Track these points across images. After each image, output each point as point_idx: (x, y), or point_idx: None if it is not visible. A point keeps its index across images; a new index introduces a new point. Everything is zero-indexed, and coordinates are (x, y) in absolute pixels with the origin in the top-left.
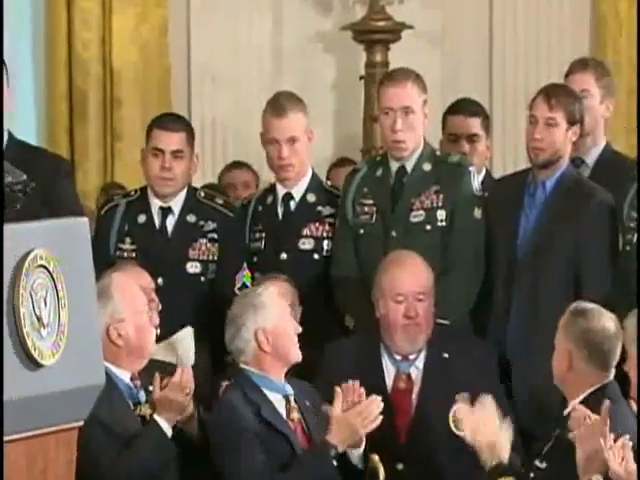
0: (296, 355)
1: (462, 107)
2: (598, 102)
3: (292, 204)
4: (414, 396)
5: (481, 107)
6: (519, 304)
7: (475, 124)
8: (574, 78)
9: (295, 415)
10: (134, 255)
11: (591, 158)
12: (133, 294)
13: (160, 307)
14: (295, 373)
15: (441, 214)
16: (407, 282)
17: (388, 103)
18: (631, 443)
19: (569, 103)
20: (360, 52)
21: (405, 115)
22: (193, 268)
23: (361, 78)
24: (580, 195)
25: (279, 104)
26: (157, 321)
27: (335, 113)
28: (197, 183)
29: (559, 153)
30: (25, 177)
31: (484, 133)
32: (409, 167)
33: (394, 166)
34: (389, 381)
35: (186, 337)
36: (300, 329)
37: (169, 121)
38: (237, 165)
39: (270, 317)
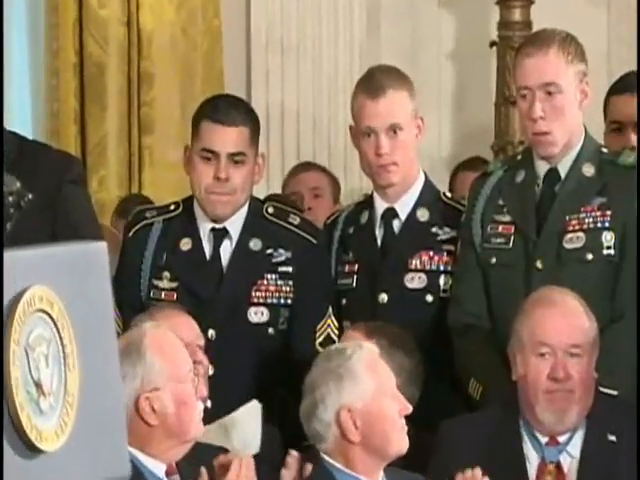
0: (398, 446)
1: (630, 84)
2: None
3: (396, 224)
4: None
5: None
6: None
7: None
8: None
9: None
10: (175, 296)
11: None
12: (174, 353)
13: (211, 371)
14: (399, 461)
15: (608, 238)
16: (556, 329)
17: (524, 80)
18: None
19: None
20: (491, 7)
21: (549, 95)
22: (258, 315)
23: (492, 45)
24: None
25: (375, 81)
26: (206, 391)
27: (455, 94)
28: (260, 192)
29: None
30: (19, 185)
31: (637, 145)
32: (563, 170)
33: (541, 169)
34: (531, 472)
35: (249, 415)
36: (410, 409)
37: (225, 110)
38: (301, 168)
39: (360, 392)
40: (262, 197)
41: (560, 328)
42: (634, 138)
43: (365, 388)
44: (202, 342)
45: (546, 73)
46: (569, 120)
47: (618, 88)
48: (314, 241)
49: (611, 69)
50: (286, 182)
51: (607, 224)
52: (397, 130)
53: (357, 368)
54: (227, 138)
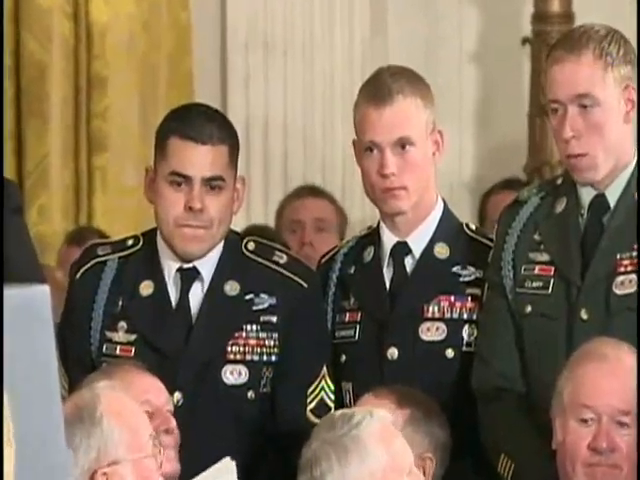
0: None
1: None
2: None
3: (408, 262)
4: None
5: None
6: None
7: None
8: None
9: None
10: (133, 352)
11: None
12: (134, 420)
13: (179, 440)
14: None
15: None
16: (603, 389)
17: (553, 92)
18: None
19: None
20: None
21: (583, 109)
22: (235, 376)
23: (525, 42)
24: None
25: (380, 85)
26: (175, 466)
27: (479, 103)
28: (238, 224)
29: None
30: None
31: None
32: (612, 198)
33: (586, 196)
34: None
35: (222, 474)
36: None
37: (198, 123)
38: (307, 192)
39: (370, 468)
40: (241, 230)
41: (608, 389)
42: None
43: (376, 464)
44: (170, 407)
45: (579, 83)
46: (612, 137)
47: None
48: (305, 284)
49: None
50: (284, 207)
51: None
52: (407, 145)
53: (367, 439)
54: (201, 159)
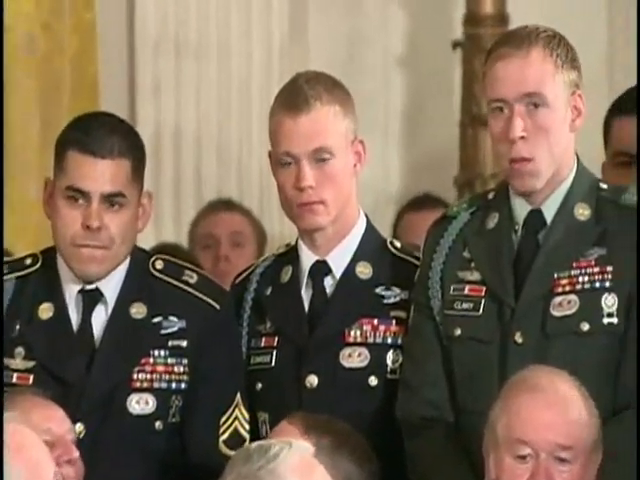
0: None
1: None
2: None
3: (328, 283)
4: None
5: None
6: None
7: None
8: None
9: None
10: (31, 380)
11: None
12: (35, 454)
13: (83, 473)
14: None
15: (609, 302)
16: (539, 423)
17: (499, 90)
18: None
19: None
20: None
21: (531, 110)
22: (141, 405)
23: (456, 46)
24: None
25: (297, 92)
26: None
27: (407, 111)
28: (147, 242)
29: None
30: None
31: (637, 152)
32: (549, 213)
33: (520, 211)
34: None
35: None
36: None
37: (98, 135)
38: (222, 206)
39: None
40: (150, 248)
41: (546, 422)
42: None
43: None
44: (72, 437)
45: (527, 81)
46: (558, 144)
47: (625, 107)
48: (216, 305)
49: (613, 80)
50: (198, 222)
51: (608, 284)
52: (325, 157)
53: (285, 472)
54: (100, 174)
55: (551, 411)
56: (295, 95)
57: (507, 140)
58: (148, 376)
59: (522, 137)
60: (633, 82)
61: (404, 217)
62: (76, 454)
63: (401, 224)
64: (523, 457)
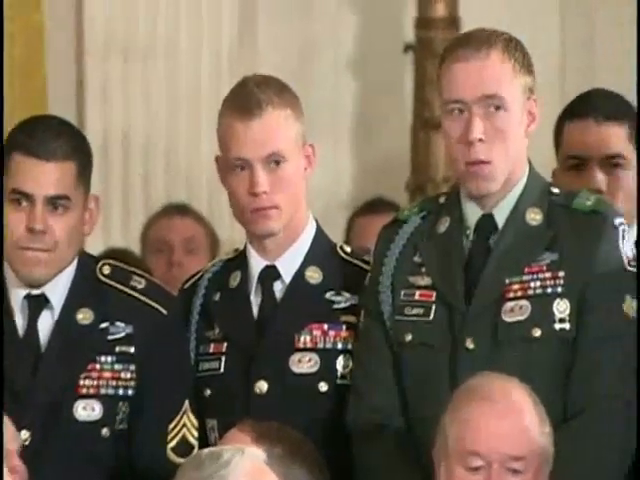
0: None
1: (592, 106)
2: None
3: (278, 288)
4: None
5: (627, 106)
6: None
7: (616, 137)
8: None
9: None
10: None
11: None
12: None
13: None
14: None
15: (561, 308)
16: (491, 434)
17: (456, 91)
18: None
19: None
20: (406, 1)
21: (489, 113)
22: (88, 411)
23: (407, 49)
24: None
25: (248, 96)
26: None
27: (358, 115)
28: (95, 247)
29: None
30: None
31: (636, 153)
32: (500, 218)
33: (472, 215)
34: None
35: None
36: None
37: (42, 137)
38: (175, 211)
39: None
40: (98, 254)
41: (497, 433)
42: (600, 177)
43: None
44: (17, 446)
45: (487, 83)
46: (513, 148)
47: (577, 111)
48: (164, 311)
49: (565, 86)
50: (150, 227)
51: (559, 289)
52: (279, 161)
53: (236, 479)
54: (44, 177)
55: (502, 421)
56: (246, 99)
57: (465, 142)
58: (94, 382)
59: (480, 139)
60: (585, 87)
61: (356, 221)
62: (17, 462)
63: (353, 228)
64: (475, 468)
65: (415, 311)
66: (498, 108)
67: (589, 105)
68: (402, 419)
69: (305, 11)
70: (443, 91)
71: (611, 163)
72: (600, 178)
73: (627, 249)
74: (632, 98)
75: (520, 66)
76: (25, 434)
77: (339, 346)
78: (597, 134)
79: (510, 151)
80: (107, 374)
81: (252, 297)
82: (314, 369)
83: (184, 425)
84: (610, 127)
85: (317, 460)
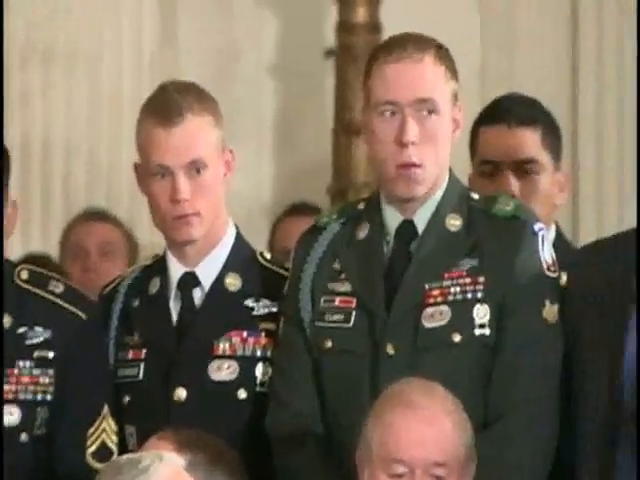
0: None
1: (505, 111)
2: None
3: (197, 295)
4: None
5: (541, 111)
6: (629, 475)
7: (529, 142)
8: None
9: None
10: None
11: None
12: None
13: None
14: None
15: (481, 313)
16: (414, 442)
17: (389, 92)
18: None
19: None
20: (327, 6)
21: (422, 116)
22: (7, 417)
23: (329, 54)
24: None
25: (168, 103)
26: None
27: (279, 120)
28: (14, 252)
29: None
30: None
31: (550, 158)
32: (421, 223)
33: (392, 221)
34: None
35: None
36: None
37: None
38: (94, 216)
39: None
40: (18, 259)
41: (420, 439)
42: (513, 182)
43: None
44: None
45: (421, 86)
46: (442, 154)
47: (491, 116)
48: (83, 315)
49: (485, 92)
50: (69, 232)
51: (479, 295)
52: (200, 168)
53: None
54: None
55: (425, 428)
56: (166, 106)
57: (396, 144)
58: (13, 387)
59: (413, 142)
60: (505, 92)
61: (280, 224)
62: None
63: (277, 231)
64: (398, 475)
65: (335, 317)
66: (430, 112)
67: (503, 110)
68: (323, 425)
69: (226, 14)
70: (374, 93)
71: (524, 168)
72: (513, 183)
73: (546, 255)
74: (557, 103)
75: (450, 72)
76: None
77: (258, 353)
78: (510, 139)
79: (439, 156)
80: (25, 379)
81: (171, 304)
82: (233, 376)
83: (104, 430)
84: (523, 132)
85: (239, 467)
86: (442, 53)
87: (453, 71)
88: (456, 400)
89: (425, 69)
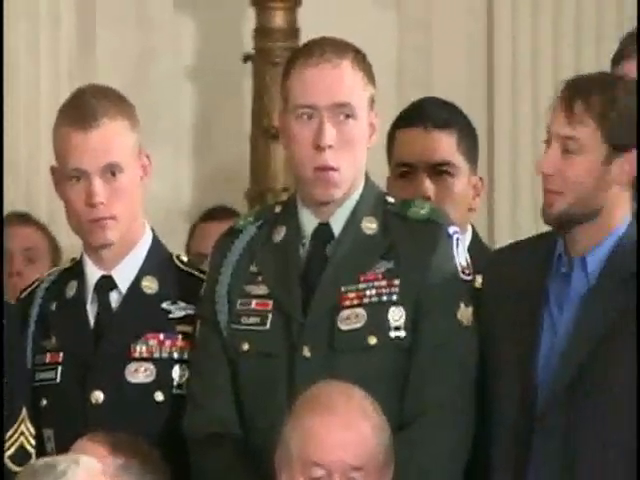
0: None
1: (422, 114)
2: None
3: (114, 298)
4: None
5: (458, 114)
6: (542, 474)
7: (445, 144)
8: (630, 67)
9: None
10: None
11: None
12: None
13: None
14: None
15: (396, 316)
16: (332, 445)
17: (308, 96)
18: None
19: (611, 109)
20: (245, 10)
21: (339, 121)
22: None
23: (247, 59)
24: None
25: (84, 107)
26: None
27: (198, 125)
28: None
29: (594, 201)
30: None
31: (465, 161)
32: (337, 226)
33: (308, 225)
34: None
35: None
36: None
37: None
38: (16, 220)
39: None
40: None
41: (338, 443)
42: (428, 184)
43: None
44: None
45: (340, 90)
46: (359, 158)
47: (407, 119)
48: (2, 320)
49: (402, 97)
50: None
51: (395, 297)
52: (116, 172)
53: None
54: None
55: (344, 432)
56: (82, 110)
57: (314, 147)
58: None
59: (330, 146)
60: (422, 96)
61: (198, 227)
62: None
63: (195, 234)
64: (317, 478)
65: (252, 320)
66: (348, 117)
67: (419, 113)
68: (240, 427)
69: (144, 19)
70: (292, 96)
71: (439, 170)
72: (427, 185)
73: (461, 258)
74: (473, 107)
75: (367, 77)
76: None
77: (175, 356)
78: (425, 142)
79: (356, 160)
80: None
81: (88, 307)
82: (150, 379)
83: (22, 433)
84: (439, 135)
85: (165, 469)
86: (360, 58)
87: (371, 76)
88: (375, 403)
89: (343, 74)
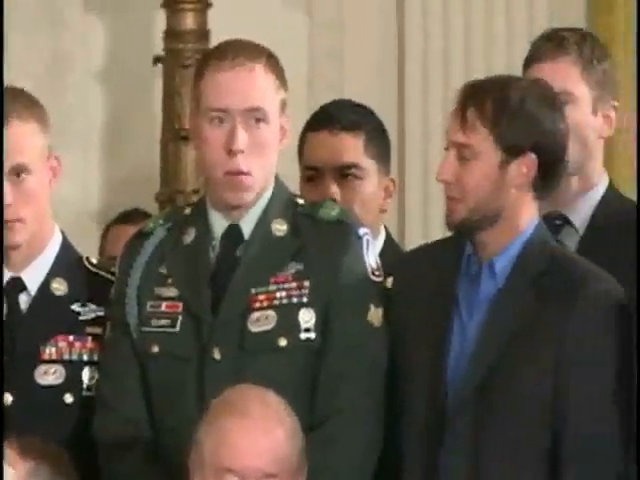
0: None
1: (329, 117)
2: (589, 111)
3: (24, 300)
4: None
5: (367, 117)
6: (452, 474)
7: (352, 146)
8: (542, 69)
9: None
10: None
11: (581, 215)
12: None
13: None
14: None
15: (307, 317)
16: (245, 452)
17: (220, 100)
18: None
19: (502, 113)
20: (156, 12)
21: (250, 124)
22: None
23: (157, 61)
24: (560, 288)
25: None
26: None
27: (108, 127)
28: None
29: (494, 205)
30: None
31: (374, 163)
32: (247, 228)
33: (218, 226)
34: None
35: None
36: None
37: None
38: None
39: None
40: None
41: (250, 450)
42: (333, 187)
43: None
44: None
45: (253, 95)
46: (270, 162)
47: (316, 122)
48: None
49: (313, 101)
50: None
51: (305, 299)
52: (24, 174)
53: None
54: None
55: (257, 438)
56: None
57: (225, 151)
58: None
59: (242, 150)
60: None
61: (111, 230)
62: None
63: (107, 237)
64: None
65: (162, 322)
66: (260, 121)
67: (327, 116)
68: (151, 429)
69: (54, 21)
70: (204, 99)
71: (345, 173)
72: (333, 188)
73: (371, 259)
74: (384, 111)
75: (279, 81)
76: None
77: (85, 358)
78: (332, 144)
79: (267, 164)
80: None
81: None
82: (59, 381)
83: None
84: (345, 137)
85: (75, 473)
86: (273, 62)
87: (283, 80)
88: (288, 407)
89: (256, 78)
